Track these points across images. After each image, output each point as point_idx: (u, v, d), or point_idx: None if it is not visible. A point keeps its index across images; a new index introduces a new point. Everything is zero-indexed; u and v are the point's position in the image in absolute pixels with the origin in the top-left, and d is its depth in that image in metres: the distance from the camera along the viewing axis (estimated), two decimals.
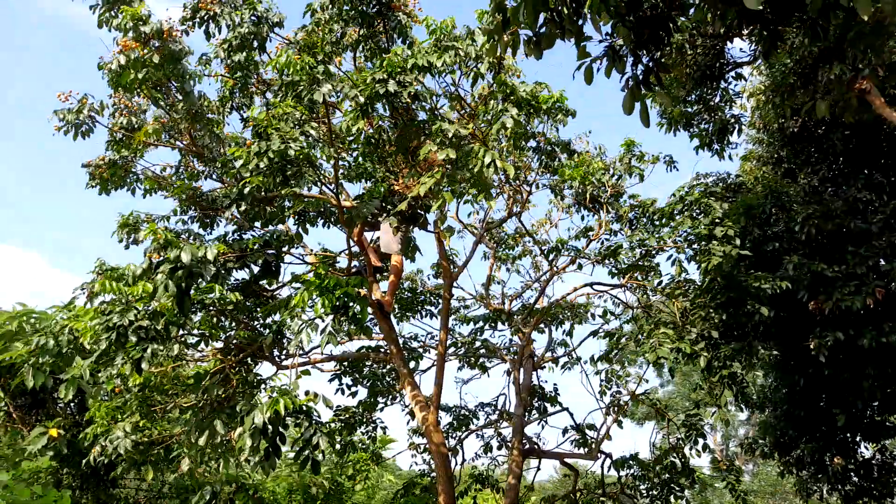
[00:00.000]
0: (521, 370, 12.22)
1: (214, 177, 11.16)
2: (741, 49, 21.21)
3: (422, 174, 8.88)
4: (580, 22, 4.94)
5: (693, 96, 12.38)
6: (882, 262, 11.42)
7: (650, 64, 5.65)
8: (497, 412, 13.34)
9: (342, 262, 12.07)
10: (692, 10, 6.23)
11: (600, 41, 5.72)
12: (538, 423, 12.65)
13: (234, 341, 10.27)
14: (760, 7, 3.18)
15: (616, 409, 12.49)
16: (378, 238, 10.15)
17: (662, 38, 5.60)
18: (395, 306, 13.23)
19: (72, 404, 12.16)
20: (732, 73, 11.83)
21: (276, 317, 11.17)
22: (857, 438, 13.62)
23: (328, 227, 11.52)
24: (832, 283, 11.50)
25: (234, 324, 10.60)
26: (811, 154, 13.19)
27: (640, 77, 5.61)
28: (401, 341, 12.09)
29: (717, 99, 12.44)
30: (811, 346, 11.93)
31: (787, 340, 12.56)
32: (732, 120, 12.77)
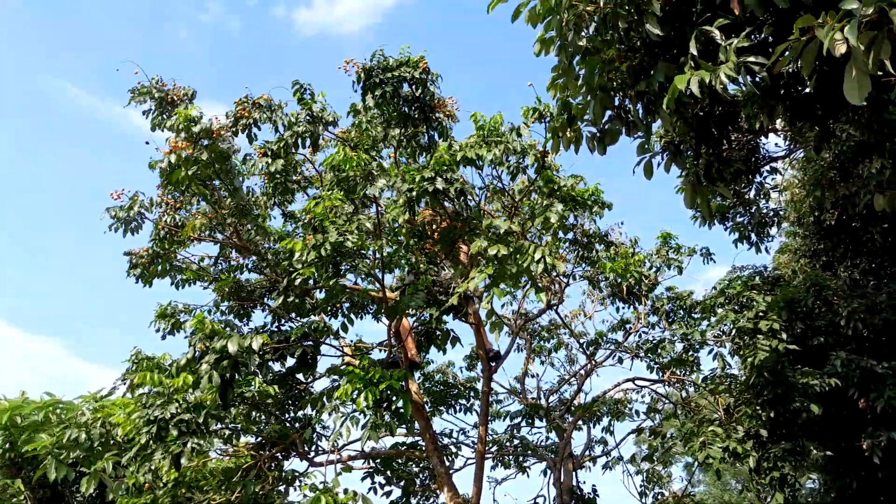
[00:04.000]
0: (562, 470, 11.77)
1: (251, 268, 11.25)
2: (776, 144, 21.55)
3: (465, 267, 8.89)
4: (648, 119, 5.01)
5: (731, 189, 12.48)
6: None
7: (711, 159, 5.69)
8: None
9: (375, 353, 11.93)
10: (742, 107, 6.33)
11: (661, 137, 5.81)
12: None
13: (266, 436, 10.04)
14: (864, 103, 3.19)
15: None
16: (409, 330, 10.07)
17: (723, 133, 5.67)
18: (428, 400, 12.94)
19: (91, 499, 11.82)
20: (767, 168, 11.95)
21: (309, 410, 10.98)
22: None
23: (361, 317, 11.47)
24: (882, 379, 11.15)
25: (266, 417, 10.40)
26: (849, 247, 13.10)
27: (703, 171, 5.64)
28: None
29: (753, 193, 12.51)
30: (864, 447, 11.44)
31: (837, 440, 12.06)
32: (771, 213, 12.80)
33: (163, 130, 9.35)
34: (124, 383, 9.35)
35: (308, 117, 8.85)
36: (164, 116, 9.55)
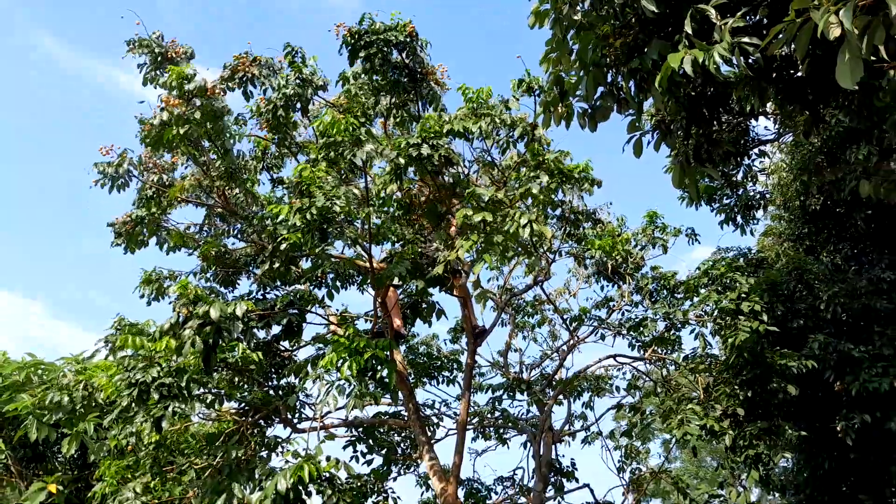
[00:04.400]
0: (541, 443, 11.92)
1: (238, 236, 11.19)
2: (765, 127, 21.59)
3: (452, 238, 8.88)
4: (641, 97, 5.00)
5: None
6: None
7: (701, 139, 5.69)
8: (515, 487, 12.93)
9: (360, 323, 11.96)
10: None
11: (652, 116, 5.80)
12: (555, 500, 12.24)
13: (249, 402, 10.08)
14: (856, 87, 3.19)
15: (636, 486, 12.12)
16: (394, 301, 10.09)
17: (714, 115, 5.66)
18: (411, 372, 13.01)
19: (73, 460, 11.85)
20: (756, 151, 11.97)
21: (292, 378, 11.02)
22: None
23: (347, 287, 11.46)
24: (859, 363, 11.34)
25: (249, 384, 10.43)
26: (832, 232, 13.23)
27: (692, 152, 5.65)
28: None
29: (741, 175, 12.56)
30: (837, 429, 11.67)
31: (812, 421, 12.29)
32: (758, 196, 12.87)
33: (155, 87, 9.19)
34: (106, 346, 9.32)
35: (298, 80, 8.75)
36: (159, 72, 9.36)
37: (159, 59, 9.32)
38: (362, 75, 9.98)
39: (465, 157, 9.55)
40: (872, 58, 3.20)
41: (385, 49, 8.91)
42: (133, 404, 7.73)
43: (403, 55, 9.11)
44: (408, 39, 9.04)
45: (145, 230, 10.10)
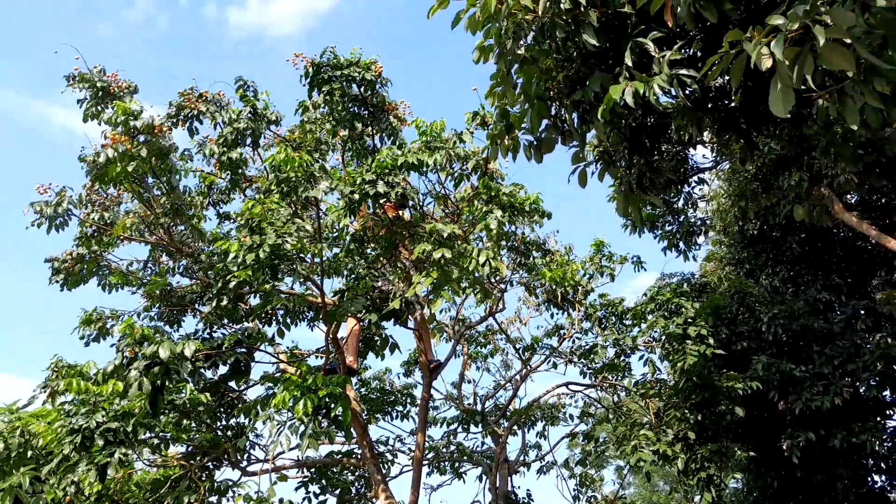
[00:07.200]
0: (497, 475, 11.86)
1: (184, 273, 10.94)
2: (703, 155, 22.37)
3: (408, 273, 8.88)
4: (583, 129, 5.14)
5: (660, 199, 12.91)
6: (847, 363, 11.71)
7: (643, 168, 5.87)
8: None
9: (312, 360, 11.76)
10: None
11: (595, 146, 5.96)
12: None
13: (197, 445, 9.75)
14: (788, 116, 3.36)
15: None
16: (347, 337, 9.97)
17: (655, 144, 5.86)
18: (364, 408, 12.83)
19: None
20: (695, 178, 12.41)
21: (242, 419, 10.72)
22: None
23: (297, 324, 11.28)
24: (801, 383, 11.71)
25: (197, 425, 10.10)
26: (770, 255, 13.74)
27: (634, 181, 5.81)
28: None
29: (682, 203, 12.97)
30: (784, 447, 11.97)
31: (760, 441, 12.59)
32: (698, 223, 13.30)
33: (100, 124, 8.97)
34: (44, 392, 8.91)
35: (250, 114, 8.70)
36: (100, 108, 9.15)
37: (100, 93, 9.13)
38: (321, 107, 9.98)
39: (420, 190, 9.62)
40: (802, 87, 3.38)
41: (346, 83, 8.95)
42: (74, 452, 7.39)
43: (363, 89, 9.16)
44: (373, 78, 9.12)
45: (85, 269, 9.78)
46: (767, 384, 11.68)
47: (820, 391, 11.50)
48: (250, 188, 10.19)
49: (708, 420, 11.01)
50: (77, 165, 9.00)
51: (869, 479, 13.05)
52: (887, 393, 12.47)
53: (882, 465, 13.03)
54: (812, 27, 3.17)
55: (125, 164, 7.68)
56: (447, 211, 9.40)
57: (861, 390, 11.85)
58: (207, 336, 10.03)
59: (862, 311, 12.36)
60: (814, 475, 12.17)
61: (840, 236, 13.29)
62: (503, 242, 10.57)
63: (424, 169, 7.88)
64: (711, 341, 10.29)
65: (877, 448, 11.72)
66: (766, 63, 3.36)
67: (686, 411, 10.88)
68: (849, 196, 11.80)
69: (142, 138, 7.90)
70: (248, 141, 8.61)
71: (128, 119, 7.86)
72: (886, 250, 11.53)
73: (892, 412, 13.14)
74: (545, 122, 5.39)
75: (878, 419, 12.43)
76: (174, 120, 9.11)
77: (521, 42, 5.26)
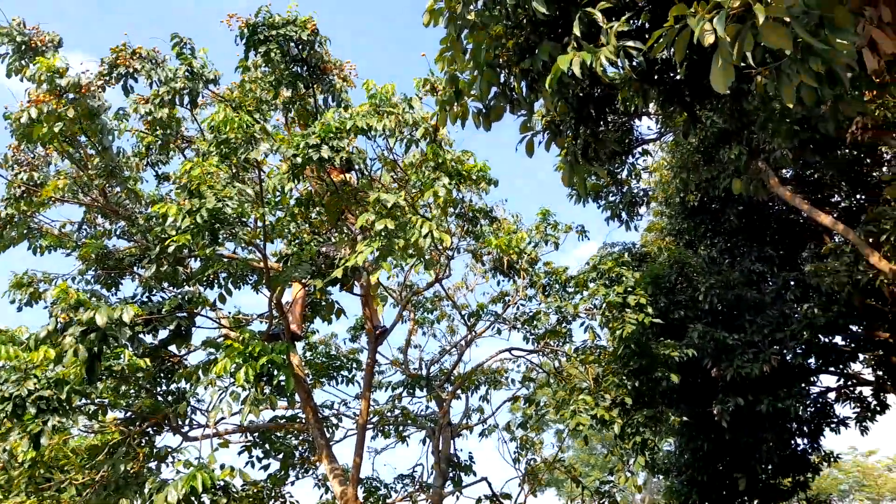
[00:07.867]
0: (440, 438, 12.03)
1: (121, 235, 10.59)
2: (648, 127, 22.68)
3: (353, 240, 8.80)
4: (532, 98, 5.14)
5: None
6: (776, 331, 12.24)
7: (589, 139, 5.93)
8: (415, 483, 12.98)
9: (255, 325, 11.63)
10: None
11: (543, 116, 5.97)
12: (454, 495, 12.38)
13: (136, 410, 9.57)
14: (728, 91, 3.43)
15: (532, 477, 12.46)
16: (292, 302, 9.88)
17: (601, 115, 5.91)
18: (309, 373, 12.79)
19: None
20: (639, 150, 12.62)
21: (183, 384, 10.55)
22: (755, 502, 14.20)
23: (240, 288, 11.10)
24: (732, 350, 12.19)
25: (136, 391, 9.90)
26: (709, 227, 14.15)
27: (580, 151, 5.87)
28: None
29: (625, 174, 13.19)
30: (714, 412, 12.50)
31: (692, 406, 13.10)
32: (641, 193, 13.56)
33: (22, 80, 8.51)
34: None
35: (187, 73, 8.38)
36: (24, 62, 8.67)
37: (23, 48, 8.65)
38: (262, 66, 9.69)
39: (369, 154, 9.48)
40: (742, 63, 3.44)
41: (283, 43, 8.69)
42: (6, 420, 7.16)
43: (300, 49, 8.92)
44: (309, 37, 8.86)
45: (14, 231, 9.37)
46: (702, 352, 12.13)
47: (750, 358, 12.01)
48: (189, 149, 9.87)
49: (644, 386, 11.39)
50: (2, 123, 8.57)
51: (792, 441, 13.78)
52: (812, 360, 13.11)
53: (805, 428, 13.77)
54: (753, 5, 3.23)
55: (51, 125, 7.30)
56: (395, 177, 9.32)
57: (788, 358, 12.41)
58: (147, 300, 9.77)
59: (792, 283, 12.89)
60: (741, 438, 12.78)
61: (774, 210, 13.77)
62: (451, 210, 10.57)
63: (373, 133, 7.76)
64: (650, 310, 10.57)
65: (800, 413, 12.36)
66: (709, 39, 3.41)
67: (624, 377, 11.21)
68: (784, 171, 12.20)
69: (70, 97, 7.50)
70: (186, 101, 8.29)
71: (53, 77, 7.45)
72: (817, 224, 12.02)
73: (815, 379, 13.85)
74: (494, 89, 5.37)
75: (803, 385, 13.09)
76: (107, 78, 8.69)
77: (472, 7, 5.21)
